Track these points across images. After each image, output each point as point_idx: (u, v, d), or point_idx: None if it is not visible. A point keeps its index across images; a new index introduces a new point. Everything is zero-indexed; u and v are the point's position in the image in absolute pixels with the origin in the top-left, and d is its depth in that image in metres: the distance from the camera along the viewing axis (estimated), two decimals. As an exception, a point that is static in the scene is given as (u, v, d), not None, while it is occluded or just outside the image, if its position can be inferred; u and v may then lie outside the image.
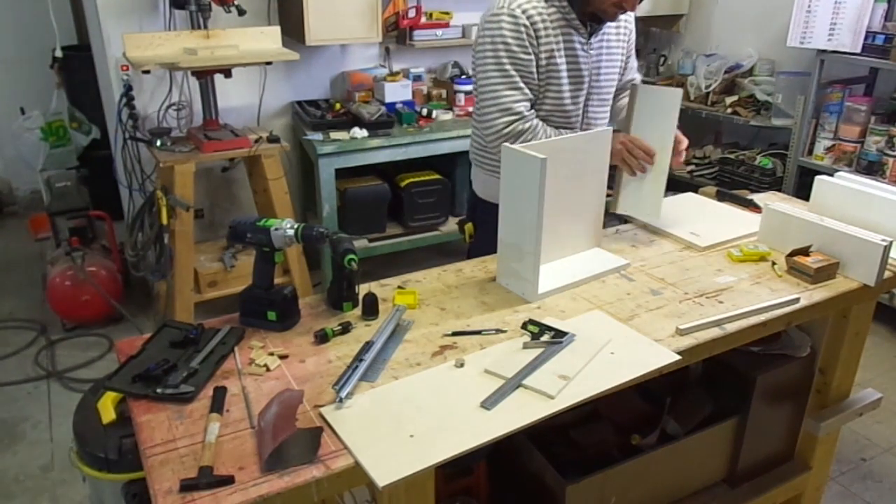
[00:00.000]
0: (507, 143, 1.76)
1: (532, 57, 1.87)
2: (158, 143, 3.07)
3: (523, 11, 1.84)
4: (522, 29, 1.84)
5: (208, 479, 1.11)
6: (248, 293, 1.58)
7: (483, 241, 2.05)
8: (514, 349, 1.48)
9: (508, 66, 1.86)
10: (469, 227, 2.20)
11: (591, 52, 1.97)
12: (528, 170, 1.59)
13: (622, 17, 2.00)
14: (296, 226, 1.55)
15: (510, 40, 1.85)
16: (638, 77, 2.24)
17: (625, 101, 2.14)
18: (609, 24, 1.99)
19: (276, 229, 1.54)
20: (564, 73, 1.93)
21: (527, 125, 1.90)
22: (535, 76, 1.91)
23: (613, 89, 2.11)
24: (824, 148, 3.57)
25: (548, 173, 1.57)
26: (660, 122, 1.92)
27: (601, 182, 1.89)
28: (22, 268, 4.13)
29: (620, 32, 2.06)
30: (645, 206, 2.02)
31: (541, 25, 1.86)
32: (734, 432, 1.92)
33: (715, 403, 1.93)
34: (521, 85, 1.88)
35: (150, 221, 3.07)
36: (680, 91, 1.93)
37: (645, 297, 1.71)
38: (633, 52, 2.17)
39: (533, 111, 1.94)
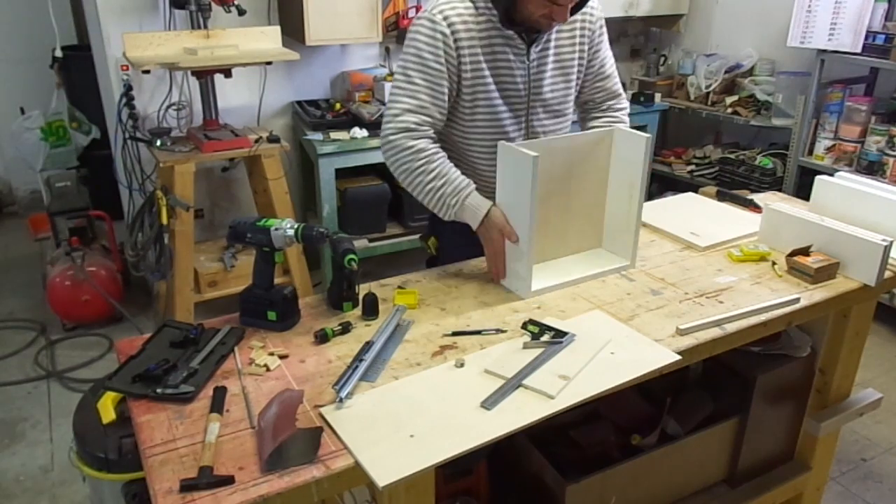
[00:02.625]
0: (387, 155, 1.75)
1: (444, 67, 1.70)
2: (158, 143, 3.07)
3: (445, 18, 1.68)
4: (439, 37, 1.68)
5: (208, 479, 1.11)
6: (248, 293, 1.58)
7: (448, 254, 1.95)
8: (514, 349, 1.48)
9: (414, 74, 1.70)
10: (433, 241, 2.02)
11: (532, 62, 1.79)
12: (521, 168, 1.59)
13: (579, 20, 1.83)
14: (296, 226, 1.55)
15: (423, 47, 1.70)
16: (624, 106, 2.02)
17: (599, 122, 1.97)
18: (560, 30, 1.81)
19: (276, 229, 1.54)
20: (493, 86, 1.76)
21: (410, 144, 1.70)
22: (449, 88, 1.73)
23: (566, 102, 1.91)
24: (824, 148, 3.57)
25: (546, 173, 1.58)
26: (629, 167, 1.82)
27: (601, 182, 1.88)
28: (22, 268, 4.13)
29: (577, 38, 1.84)
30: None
31: (464, 35, 1.69)
32: (734, 432, 1.92)
33: (715, 403, 1.93)
34: (423, 97, 1.70)
35: (150, 221, 3.07)
36: (648, 137, 1.77)
37: (645, 297, 1.71)
38: (605, 57, 1.94)
39: (428, 132, 1.73)
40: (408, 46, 1.73)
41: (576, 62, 1.88)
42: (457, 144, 1.88)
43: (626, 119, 2.02)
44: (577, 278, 1.78)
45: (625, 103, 2.04)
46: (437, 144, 1.76)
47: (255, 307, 1.56)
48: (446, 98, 1.74)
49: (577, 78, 1.91)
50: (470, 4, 1.72)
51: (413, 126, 1.71)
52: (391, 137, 1.73)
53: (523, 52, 1.78)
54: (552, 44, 1.82)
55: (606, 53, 1.95)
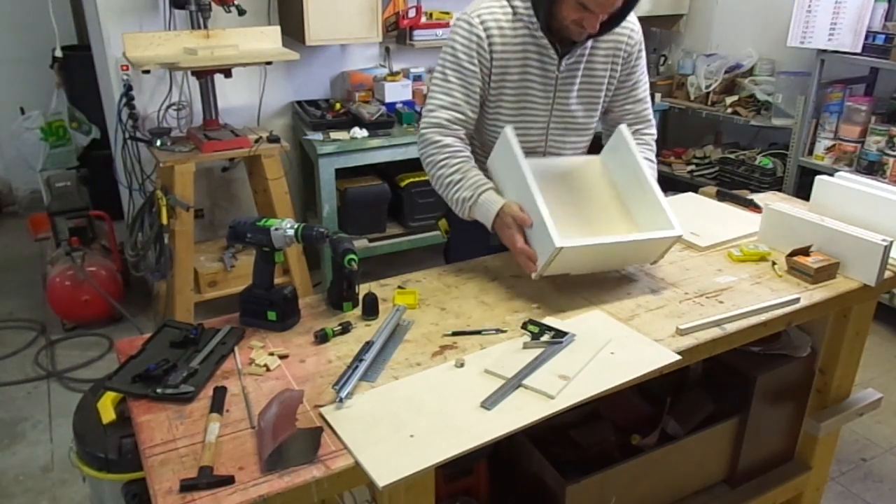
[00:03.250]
0: (419, 148, 1.81)
1: (477, 69, 1.75)
2: (158, 143, 3.07)
3: (482, 22, 1.73)
4: (475, 39, 1.73)
5: (208, 479, 1.11)
6: (248, 293, 1.58)
7: (458, 240, 2.00)
8: (514, 349, 1.48)
9: (450, 73, 1.77)
10: (443, 223, 2.08)
11: (561, 72, 1.80)
12: (503, 148, 1.71)
13: (614, 39, 1.83)
14: (296, 226, 1.55)
15: (459, 48, 1.75)
16: (652, 133, 2.00)
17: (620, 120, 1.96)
18: (595, 46, 1.82)
19: (276, 229, 1.54)
20: (518, 92, 1.81)
21: (438, 139, 1.76)
22: (480, 90, 1.78)
23: (591, 118, 1.92)
24: (824, 148, 3.57)
25: (557, 199, 1.63)
26: (624, 165, 1.82)
27: (613, 194, 1.84)
28: (22, 268, 4.13)
29: (611, 56, 1.84)
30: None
31: (498, 40, 1.73)
32: (734, 432, 1.92)
33: (715, 403, 1.93)
34: (457, 95, 1.76)
35: (150, 221, 3.07)
36: (622, 126, 1.82)
37: (645, 297, 1.71)
38: (639, 80, 1.93)
39: (459, 131, 1.79)
40: (446, 46, 1.79)
41: (605, 80, 1.88)
42: (480, 144, 1.92)
43: (654, 145, 2.01)
44: (612, 241, 1.67)
45: (653, 130, 2.02)
46: (465, 143, 1.81)
47: (255, 307, 1.56)
48: (479, 97, 1.80)
49: (605, 97, 1.91)
50: (509, 10, 1.75)
51: (445, 123, 1.78)
52: (424, 131, 1.80)
53: (554, 62, 1.79)
54: (584, 58, 1.82)
55: (641, 77, 1.94)
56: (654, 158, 1.98)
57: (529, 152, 1.84)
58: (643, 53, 1.91)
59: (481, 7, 1.76)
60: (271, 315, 1.55)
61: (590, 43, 1.81)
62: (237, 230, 1.58)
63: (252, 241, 1.55)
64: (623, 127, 1.86)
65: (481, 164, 1.83)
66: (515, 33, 1.75)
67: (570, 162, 1.92)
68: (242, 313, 1.59)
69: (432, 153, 1.78)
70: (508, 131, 1.72)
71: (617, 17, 1.74)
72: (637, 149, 1.82)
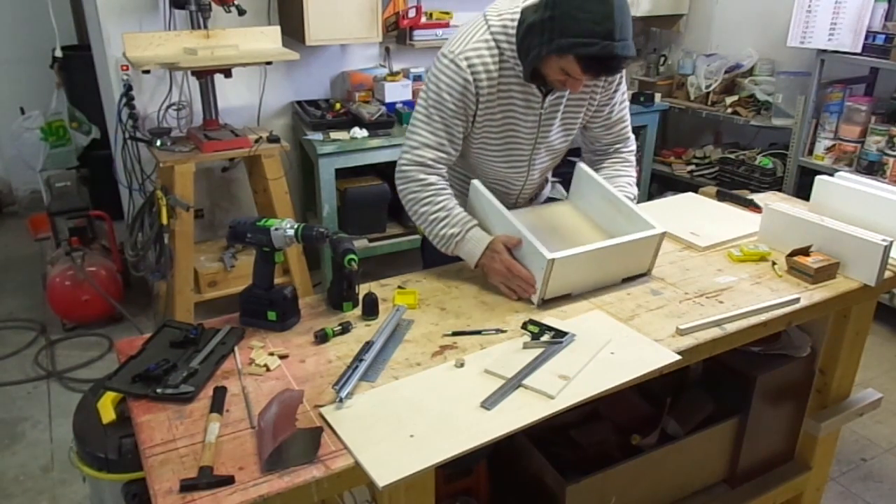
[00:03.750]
0: (399, 183, 1.81)
1: (462, 110, 1.73)
2: (158, 143, 3.07)
3: (470, 65, 1.68)
4: (461, 82, 1.69)
5: (208, 479, 1.11)
6: (248, 293, 1.58)
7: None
8: (514, 349, 1.48)
9: (433, 112, 1.73)
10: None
11: (545, 110, 1.79)
12: (474, 195, 1.82)
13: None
14: (296, 226, 1.55)
15: (444, 87, 1.70)
16: (631, 149, 2.00)
17: (605, 165, 1.98)
18: None
19: (276, 229, 1.54)
20: (503, 128, 1.81)
21: (422, 177, 1.76)
22: (464, 127, 1.77)
23: (567, 143, 1.93)
24: (824, 148, 3.57)
25: (543, 239, 1.66)
26: (589, 191, 1.90)
27: (590, 223, 1.90)
28: (22, 268, 4.13)
29: (591, 85, 1.83)
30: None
31: (485, 83, 1.70)
32: (734, 432, 1.92)
33: (715, 403, 1.93)
34: (441, 135, 1.75)
35: (150, 221, 3.07)
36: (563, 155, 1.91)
37: (645, 297, 1.71)
38: (617, 103, 1.90)
39: (441, 170, 1.79)
40: (430, 83, 1.75)
41: (584, 109, 1.88)
42: (462, 167, 1.94)
43: (633, 160, 2.01)
44: (600, 247, 1.69)
45: (632, 146, 2.01)
46: (446, 180, 1.82)
47: (255, 307, 1.56)
48: (461, 136, 1.79)
49: (582, 122, 1.91)
50: (497, 52, 1.70)
51: (428, 162, 1.76)
52: (405, 168, 1.78)
53: (539, 99, 1.78)
54: (567, 93, 1.80)
55: (620, 99, 1.91)
56: (631, 172, 1.98)
57: (515, 175, 1.91)
58: (623, 78, 1.88)
59: (468, 47, 1.69)
60: (271, 315, 1.55)
61: None
62: (237, 230, 1.58)
63: (252, 241, 1.55)
64: (580, 165, 1.93)
65: (464, 185, 1.89)
66: (501, 74, 1.72)
67: (544, 211, 1.97)
68: (242, 313, 1.59)
69: (415, 190, 1.77)
70: (477, 184, 1.80)
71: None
72: (599, 176, 1.89)
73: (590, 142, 2.01)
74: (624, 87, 1.91)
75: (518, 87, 1.75)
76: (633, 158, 2.02)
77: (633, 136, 2.03)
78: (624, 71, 1.78)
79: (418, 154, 1.76)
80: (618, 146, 2.00)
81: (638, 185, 2.03)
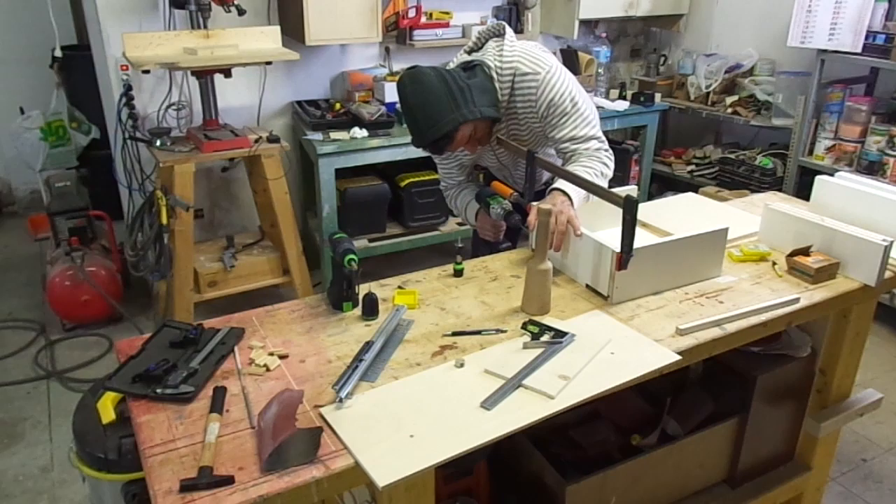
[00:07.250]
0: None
1: (449, 158, 2.18)
2: (158, 143, 3.07)
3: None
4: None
5: (208, 480, 1.11)
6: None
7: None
8: (514, 349, 1.48)
9: (437, 161, 2.23)
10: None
11: (492, 141, 2.01)
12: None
13: (525, 97, 1.93)
14: None
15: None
16: (588, 146, 2.01)
17: (570, 163, 2.03)
18: (512, 108, 1.97)
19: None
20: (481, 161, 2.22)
21: (447, 194, 2.30)
22: (458, 158, 2.17)
23: (539, 142, 2.06)
24: (825, 148, 3.57)
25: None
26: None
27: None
28: (22, 268, 4.13)
29: (528, 111, 1.98)
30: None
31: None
32: (734, 432, 1.92)
33: (715, 403, 1.93)
34: (448, 180, 2.25)
35: (149, 221, 3.07)
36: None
37: (645, 297, 1.71)
38: (563, 123, 1.95)
39: (461, 186, 2.24)
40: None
41: (525, 133, 2.03)
42: None
43: (598, 154, 1.98)
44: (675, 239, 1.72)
45: (589, 144, 1.98)
46: (463, 184, 2.26)
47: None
48: (461, 161, 2.19)
49: (536, 136, 2.04)
50: None
51: (450, 194, 2.29)
52: (444, 193, 2.33)
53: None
54: (504, 125, 2.01)
55: (562, 122, 1.95)
56: (595, 165, 1.94)
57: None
58: (557, 106, 1.92)
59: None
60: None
61: (503, 123, 2.01)
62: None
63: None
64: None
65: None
66: None
67: None
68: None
69: (450, 204, 2.31)
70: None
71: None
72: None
73: (557, 153, 2.07)
74: (565, 111, 1.93)
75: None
76: (597, 152, 1.98)
77: (596, 139, 1.99)
78: (557, 104, 1.92)
79: (443, 187, 2.30)
80: (581, 154, 1.98)
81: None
